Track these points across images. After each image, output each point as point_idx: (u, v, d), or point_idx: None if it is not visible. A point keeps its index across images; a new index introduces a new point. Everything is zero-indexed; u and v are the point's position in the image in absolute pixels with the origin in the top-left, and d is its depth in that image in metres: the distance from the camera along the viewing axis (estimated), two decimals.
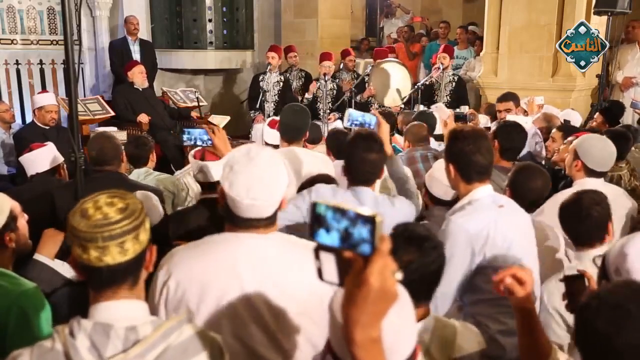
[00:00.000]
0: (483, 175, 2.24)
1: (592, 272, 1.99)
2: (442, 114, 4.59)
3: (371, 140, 2.48)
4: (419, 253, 1.67)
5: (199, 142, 2.57)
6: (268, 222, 1.67)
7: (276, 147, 3.37)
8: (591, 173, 2.95)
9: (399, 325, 1.19)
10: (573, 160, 3.00)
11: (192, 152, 2.95)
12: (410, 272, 1.64)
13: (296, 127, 3.29)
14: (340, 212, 0.92)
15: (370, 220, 0.90)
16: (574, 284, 1.89)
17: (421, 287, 1.67)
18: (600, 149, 2.96)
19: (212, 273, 1.61)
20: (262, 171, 1.61)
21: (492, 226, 2.16)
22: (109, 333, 1.26)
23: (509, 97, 5.03)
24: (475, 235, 2.14)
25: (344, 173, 2.56)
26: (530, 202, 2.64)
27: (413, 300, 1.65)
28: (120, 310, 1.31)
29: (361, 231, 0.91)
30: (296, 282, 1.61)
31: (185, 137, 2.56)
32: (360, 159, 2.45)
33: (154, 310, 1.61)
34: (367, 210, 0.91)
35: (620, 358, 1.24)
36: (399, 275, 0.94)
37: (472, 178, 2.23)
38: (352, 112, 3.00)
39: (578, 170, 2.98)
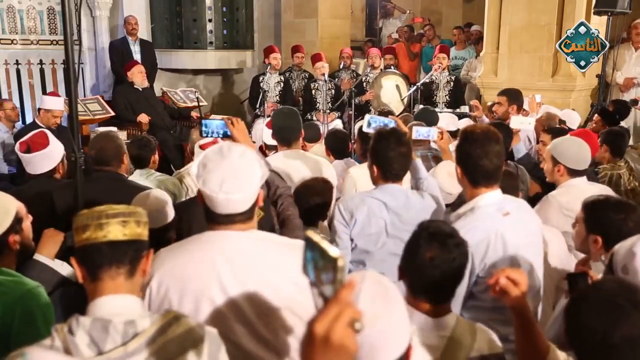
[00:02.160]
0: (490, 180, 2.19)
1: None
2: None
3: (398, 134, 2.51)
4: (441, 249, 1.68)
5: (216, 135, 2.50)
6: (245, 217, 1.69)
7: (275, 147, 3.37)
8: (573, 173, 2.99)
9: (389, 325, 1.20)
10: (553, 166, 3.01)
11: (200, 143, 2.95)
12: (433, 268, 1.66)
13: (290, 129, 3.29)
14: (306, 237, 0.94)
15: (333, 262, 0.87)
16: (578, 282, 1.89)
17: (443, 284, 1.69)
18: (575, 149, 2.99)
19: (192, 271, 1.64)
20: (235, 166, 1.64)
21: (492, 237, 2.12)
22: (107, 328, 1.28)
23: (505, 92, 4.99)
24: (475, 246, 2.10)
25: (374, 174, 2.55)
26: None
27: (433, 296, 1.68)
28: (118, 306, 1.34)
29: (307, 255, 0.92)
30: (276, 277, 1.64)
31: (203, 129, 2.50)
32: (391, 154, 2.46)
33: None
34: (334, 251, 0.89)
35: (616, 352, 1.26)
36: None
37: (478, 182, 2.20)
38: (372, 117, 3.01)
39: (561, 175, 3.00)
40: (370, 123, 2.97)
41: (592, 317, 1.28)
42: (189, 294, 1.62)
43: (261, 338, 1.64)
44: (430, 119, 4.38)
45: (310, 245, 0.92)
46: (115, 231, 1.34)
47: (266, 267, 1.66)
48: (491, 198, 2.20)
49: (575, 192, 2.92)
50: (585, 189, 2.97)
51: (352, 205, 2.48)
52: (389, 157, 2.46)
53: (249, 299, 1.62)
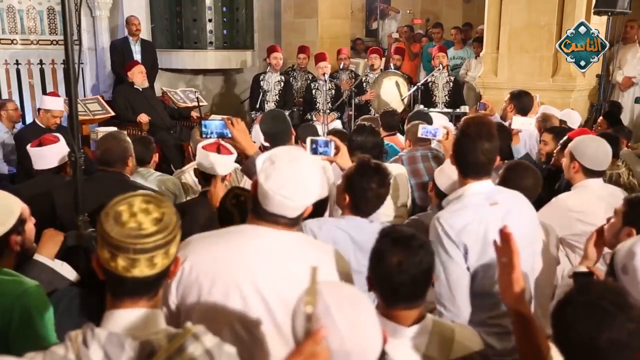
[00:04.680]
0: (479, 174, 2.22)
1: None
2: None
3: (383, 174, 2.40)
4: (406, 253, 1.66)
5: (216, 135, 2.50)
6: (291, 223, 1.69)
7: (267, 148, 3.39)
8: (590, 173, 2.96)
9: (368, 325, 1.22)
10: (570, 162, 3.00)
11: (202, 144, 2.96)
12: (401, 273, 1.64)
13: (279, 134, 3.31)
14: None
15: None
16: (583, 281, 1.90)
17: (414, 288, 1.67)
18: (595, 149, 2.97)
19: (226, 261, 1.63)
20: (301, 173, 1.63)
21: (476, 224, 2.12)
22: (123, 344, 1.24)
23: (512, 92, 5.02)
24: (459, 232, 2.11)
25: (344, 202, 2.42)
26: None
27: (406, 302, 1.67)
28: (136, 320, 1.29)
29: None
30: (306, 276, 1.62)
31: (203, 130, 2.49)
32: (369, 194, 2.35)
33: (165, 289, 1.61)
34: (308, 297, 0.95)
35: (603, 355, 1.27)
36: None
37: (467, 174, 2.24)
38: (313, 139, 2.71)
39: (576, 172, 2.97)
40: (312, 146, 2.67)
41: (578, 321, 1.29)
42: (220, 283, 1.61)
43: (284, 338, 1.62)
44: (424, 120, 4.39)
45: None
46: (142, 267, 1.26)
47: (301, 268, 1.62)
48: (479, 188, 2.22)
49: (587, 195, 2.91)
50: (599, 192, 2.94)
51: (318, 233, 2.32)
52: (366, 196, 2.35)
53: (279, 299, 1.62)
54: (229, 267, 1.63)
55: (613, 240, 2.22)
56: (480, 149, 2.17)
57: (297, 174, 1.62)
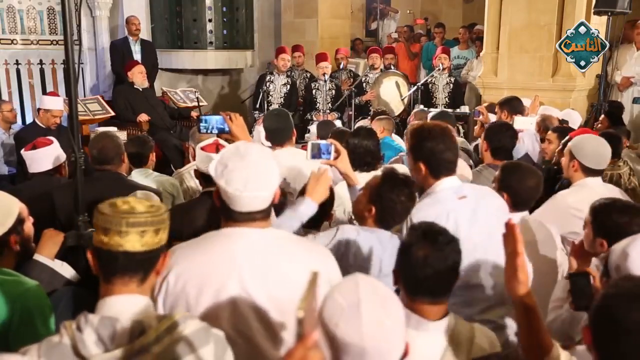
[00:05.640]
0: (450, 171, 2.29)
1: None
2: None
3: (411, 186, 2.33)
4: (433, 248, 1.69)
5: (215, 130, 2.52)
6: (265, 215, 1.71)
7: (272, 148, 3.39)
8: (589, 172, 2.97)
9: (392, 329, 1.21)
10: (569, 161, 3.01)
11: (201, 145, 2.97)
12: (425, 266, 1.66)
13: (281, 131, 3.32)
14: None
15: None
16: (579, 281, 1.90)
17: (437, 283, 1.69)
18: (595, 147, 2.99)
19: (211, 266, 1.64)
20: (256, 165, 1.66)
21: (444, 217, 2.14)
22: (115, 326, 1.30)
23: (500, 100, 5.07)
24: None
25: (369, 213, 2.32)
26: (523, 202, 2.66)
27: (429, 296, 1.68)
28: (127, 305, 1.36)
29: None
30: (296, 275, 1.63)
31: (202, 125, 2.52)
32: (399, 207, 2.29)
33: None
34: (301, 301, 0.97)
35: None
36: None
37: (440, 174, 2.28)
38: (314, 142, 2.60)
39: (575, 171, 2.99)
40: (313, 150, 2.56)
41: (631, 312, 1.22)
42: (208, 289, 1.62)
43: (277, 338, 1.64)
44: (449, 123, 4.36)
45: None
46: (133, 241, 1.35)
47: (284, 261, 1.67)
48: (449, 183, 2.28)
49: (586, 192, 2.90)
50: (597, 190, 2.94)
51: (355, 240, 2.27)
52: (395, 209, 2.28)
53: (268, 298, 1.62)
54: (215, 273, 1.63)
55: (591, 249, 2.21)
56: (452, 144, 2.28)
57: (254, 167, 1.65)
